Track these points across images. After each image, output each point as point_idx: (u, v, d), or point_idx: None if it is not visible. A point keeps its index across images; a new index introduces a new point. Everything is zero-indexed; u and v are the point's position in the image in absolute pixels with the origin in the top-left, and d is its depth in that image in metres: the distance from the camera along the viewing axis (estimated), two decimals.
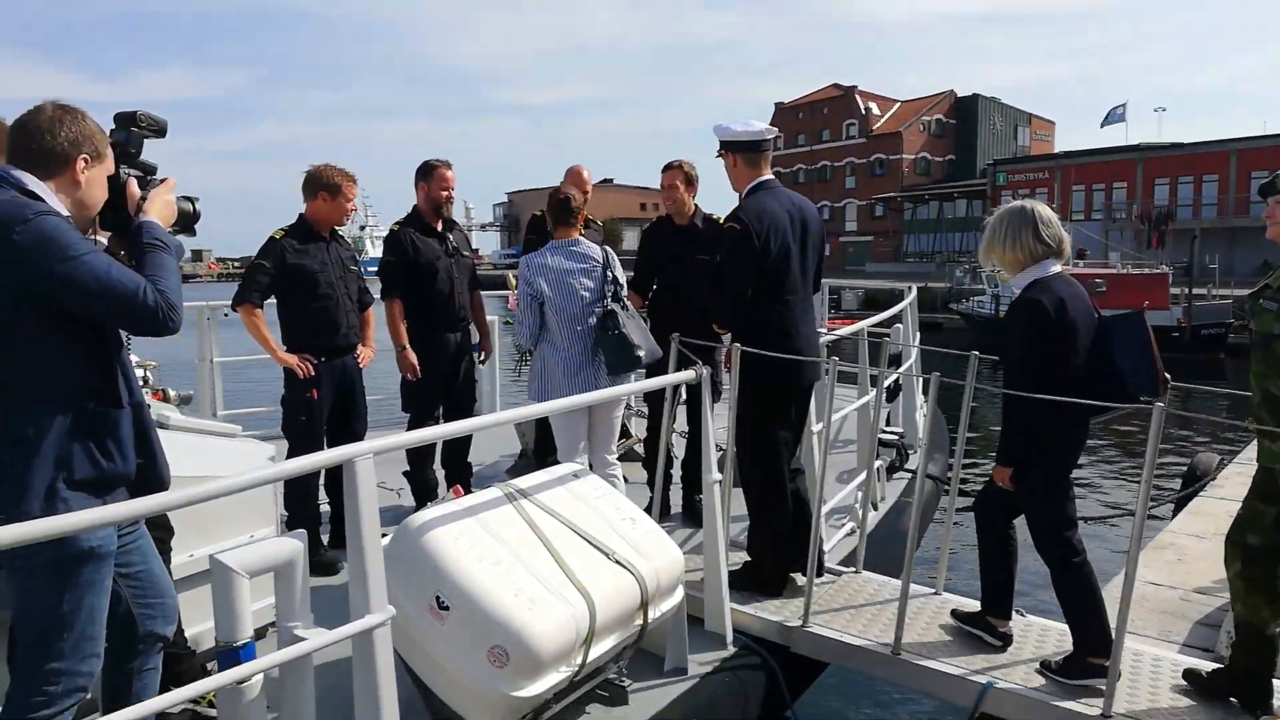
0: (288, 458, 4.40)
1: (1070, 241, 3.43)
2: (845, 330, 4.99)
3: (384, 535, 2.81)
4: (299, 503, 4.38)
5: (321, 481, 4.57)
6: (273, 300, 4.49)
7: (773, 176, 4.07)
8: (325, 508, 4.64)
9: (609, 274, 4.37)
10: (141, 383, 5.50)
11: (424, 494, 5.07)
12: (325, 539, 4.56)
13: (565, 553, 2.84)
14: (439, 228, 4.96)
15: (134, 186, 2.48)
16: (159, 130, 2.59)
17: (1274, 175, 3.12)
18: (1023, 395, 3.19)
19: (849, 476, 5.83)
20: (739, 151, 4.01)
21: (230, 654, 2.06)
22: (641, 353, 4.20)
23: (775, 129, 4.11)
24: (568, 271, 4.25)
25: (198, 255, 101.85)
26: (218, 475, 3.43)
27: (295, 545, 2.21)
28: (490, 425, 3.23)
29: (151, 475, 2.43)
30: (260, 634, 2.85)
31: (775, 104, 73.54)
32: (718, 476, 3.58)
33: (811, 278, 4.13)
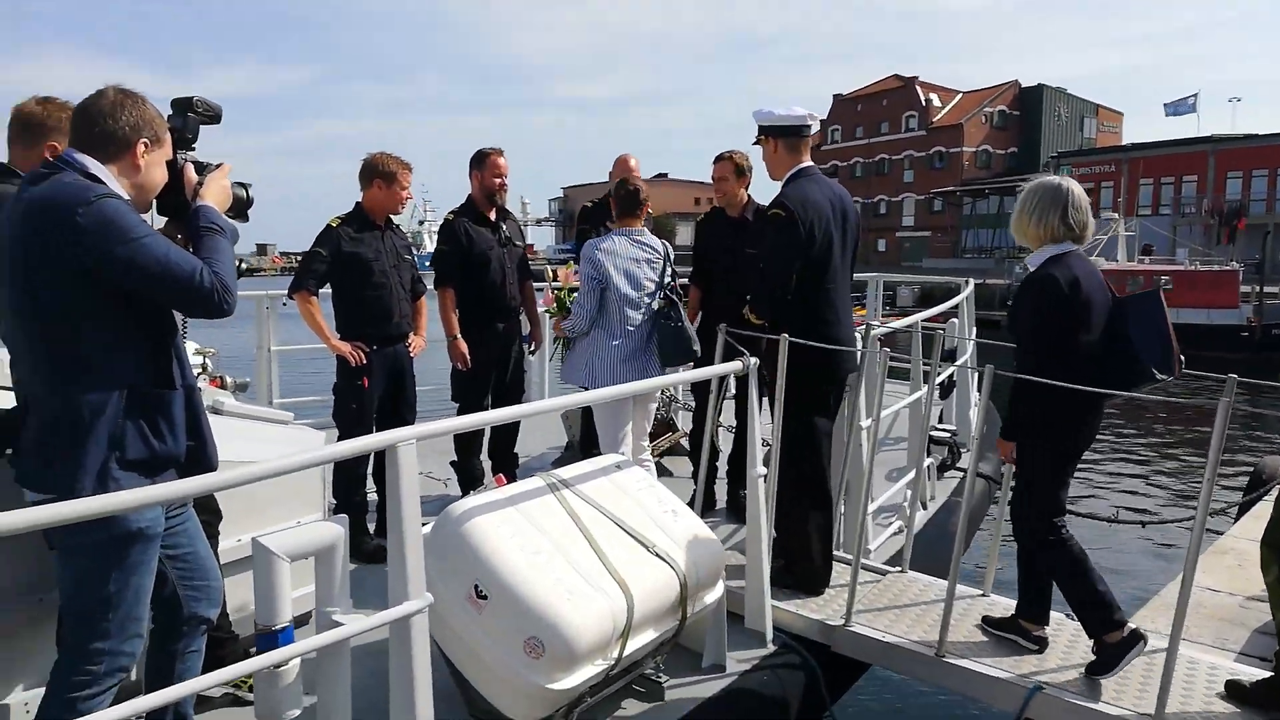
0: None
1: (1093, 228, 3.44)
2: (899, 323, 4.90)
3: (427, 524, 2.86)
4: (347, 489, 4.45)
5: (370, 469, 4.63)
6: (327, 290, 4.57)
7: (813, 164, 4.02)
8: (374, 496, 4.71)
9: (669, 267, 4.44)
10: (199, 369, 5.65)
11: (470, 483, 5.11)
12: (373, 527, 4.62)
13: (605, 544, 2.84)
14: (493, 217, 4.99)
15: (191, 171, 2.53)
16: (214, 116, 2.64)
17: None
18: (1033, 370, 3.18)
19: (898, 474, 5.74)
20: (780, 136, 3.97)
21: (269, 637, 2.09)
22: (698, 347, 4.30)
23: (817, 115, 4.05)
24: (633, 259, 4.31)
25: (262, 249, 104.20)
26: (268, 460, 3.54)
27: (336, 530, 2.23)
28: (535, 413, 3.23)
29: (201, 458, 2.47)
30: (303, 620, 2.89)
31: (834, 95, 72.70)
32: (762, 471, 3.55)
33: (850, 268, 4.10)
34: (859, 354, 4.12)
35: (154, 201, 2.54)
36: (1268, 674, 3.19)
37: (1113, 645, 3.20)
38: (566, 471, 3.10)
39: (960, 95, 67.47)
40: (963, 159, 62.54)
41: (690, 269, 5.27)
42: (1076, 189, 3.38)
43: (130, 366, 2.28)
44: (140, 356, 2.31)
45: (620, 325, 4.29)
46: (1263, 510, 5.89)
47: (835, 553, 4.35)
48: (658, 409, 5.92)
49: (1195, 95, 49.37)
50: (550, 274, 4.59)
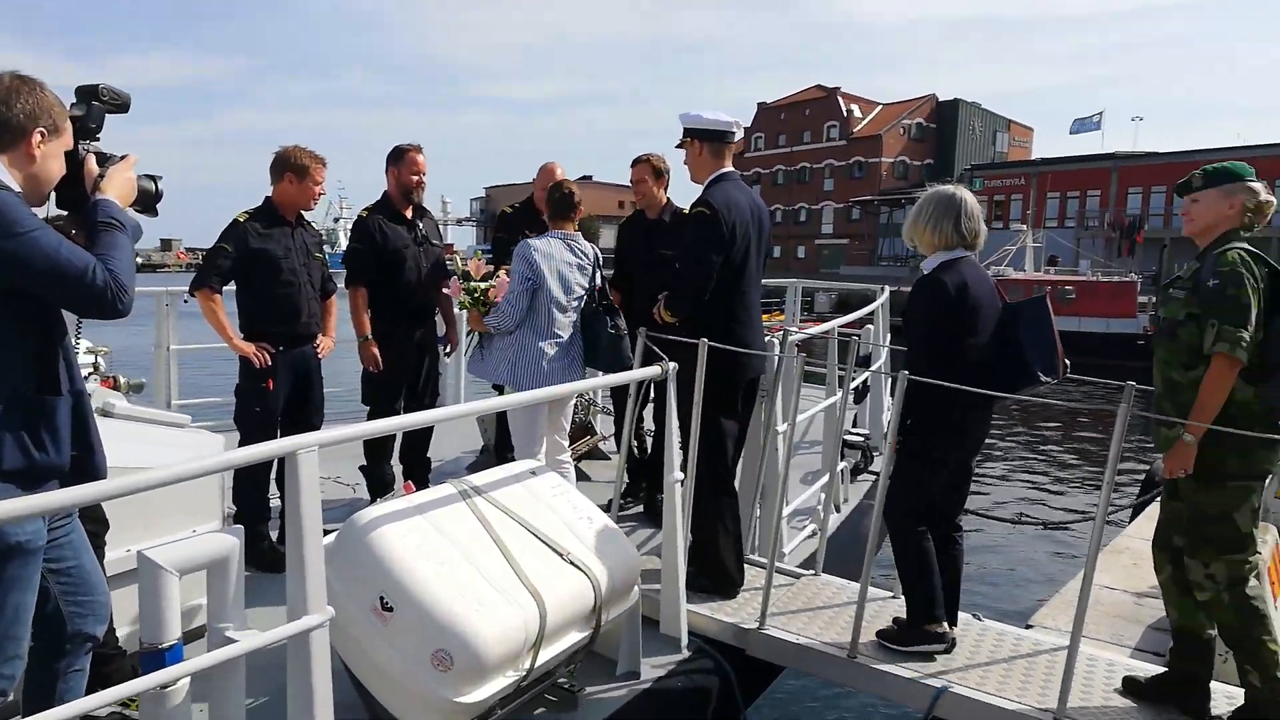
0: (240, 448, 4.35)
1: (985, 236, 3.56)
2: (815, 330, 4.95)
3: (332, 532, 2.76)
4: (248, 496, 4.28)
5: (274, 474, 4.47)
6: (231, 287, 4.39)
7: (734, 170, 4.08)
8: (277, 502, 4.54)
9: (598, 273, 4.44)
10: (91, 369, 5.40)
11: (380, 489, 4.97)
12: (275, 534, 4.46)
13: (518, 553, 2.78)
14: (409, 215, 4.86)
15: (92, 163, 2.38)
16: (121, 105, 2.49)
17: (1189, 176, 3.20)
18: (923, 372, 3.27)
19: (813, 478, 5.81)
20: (705, 140, 4.00)
21: (155, 656, 1.98)
22: (631, 358, 4.31)
23: (741, 123, 4.08)
24: (566, 263, 4.28)
25: (166, 245, 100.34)
26: (160, 466, 3.37)
27: (230, 542, 2.13)
28: (450, 418, 3.14)
29: (88, 467, 2.33)
30: (197, 635, 2.76)
31: (758, 104, 73.71)
32: (679, 476, 3.53)
33: (761, 274, 4.17)
34: (772, 358, 4.18)
35: (53, 194, 2.40)
36: (1161, 669, 3.31)
37: (920, 631, 3.43)
38: (478, 478, 3.03)
39: (880, 107, 69.09)
40: (881, 169, 64.05)
41: (612, 272, 5.24)
42: (969, 199, 3.51)
43: (11, 369, 2.14)
44: (22, 359, 2.17)
45: (548, 327, 4.25)
46: (1155, 510, 6.16)
47: (750, 556, 4.38)
48: (576, 412, 5.88)
49: (1100, 113, 51.60)
50: (460, 264, 4.47)
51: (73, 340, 2.45)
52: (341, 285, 4.82)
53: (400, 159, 4.82)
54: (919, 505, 3.48)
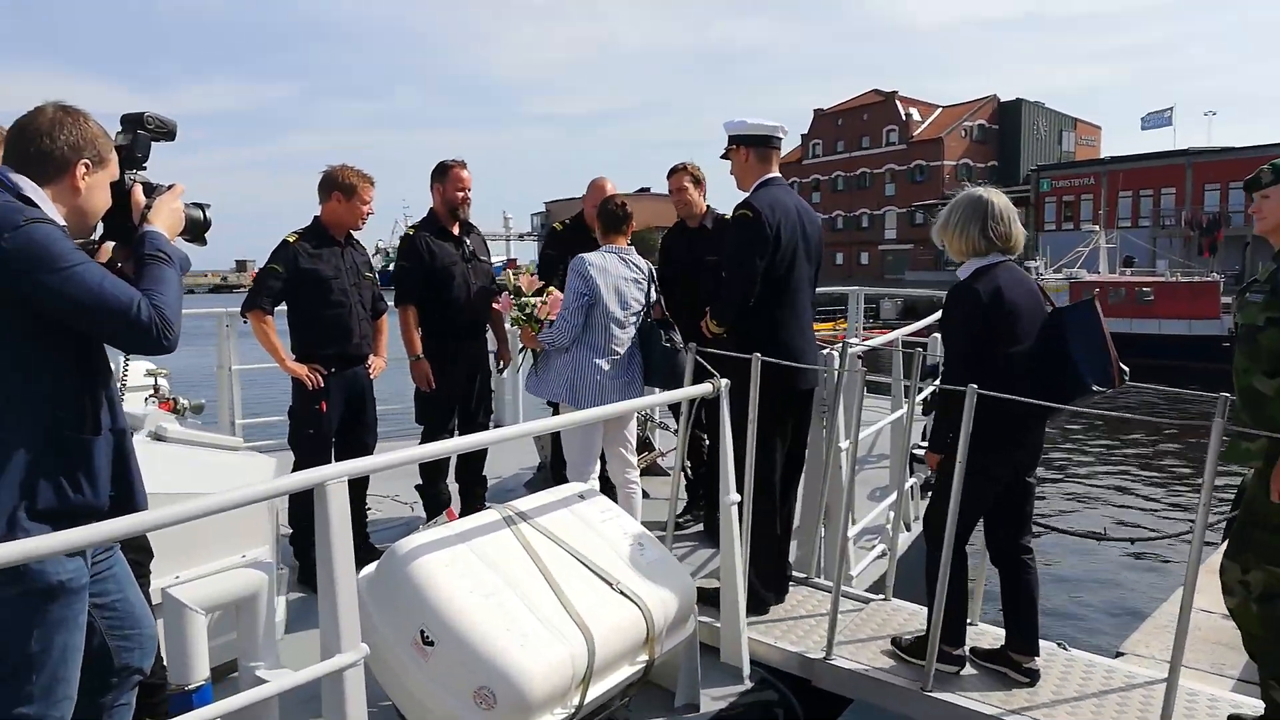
0: (293, 472, 4.31)
1: (1024, 237, 3.39)
2: (879, 340, 4.74)
3: (422, 529, 2.66)
4: (303, 517, 4.23)
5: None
6: (283, 308, 4.36)
7: (780, 176, 3.94)
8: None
9: (653, 287, 4.35)
10: (152, 390, 5.44)
11: (436, 509, 4.88)
12: None
13: (565, 583, 2.64)
14: (456, 231, 4.79)
15: (139, 193, 2.33)
16: (168, 133, 2.44)
17: (1258, 171, 2.99)
18: (958, 381, 3.11)
19: (881, 494, 5.58)
20: (751, 145, 3.88)
21: (183, 698, 1.88)
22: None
23: (785, 128, 3.95)
24: (623, 278, 4.19)
25: (241, 265, 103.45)
26: (209, 492, 3.33)
27: (258, 578, 2.03)
28: (503, 439, 3.01)
29: (127, 507, 2.26)
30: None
31: (814, 110, 73.03)
32: (735, 498, 3.36)
33: (812, 285, 4.00)
34: (825, 371, 4.02)
35: (100, 224, 2.35)
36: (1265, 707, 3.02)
37: (949, 654, 3.27)
38: (524, 503, 2.90)
39: (940, 110, 67.90)
40: (943, 172, 62.86)
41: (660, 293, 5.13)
42: (998, 201, 3.32)
43: (51, 407, 2.08)
44: (64, 396, 2.11)
45: (606, 344, 4.15)
46: None
47: (814, 579, 4.19)
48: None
49: (1171, 109, 50.01)
50: (510, 280, 4.38)
51: (118, 378, 2.39)
52: (391, 304, 4.76)
53: (444, 175, 4.74)
54: (962, 521, 3.26)
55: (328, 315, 4.23)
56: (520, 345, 4.60)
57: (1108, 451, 15.16)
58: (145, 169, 2.42)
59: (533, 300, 4.26)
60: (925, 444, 6.42)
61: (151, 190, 2.35)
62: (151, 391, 5.40)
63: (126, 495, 2.26)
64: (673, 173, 4.97)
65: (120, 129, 2.40)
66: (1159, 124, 50.14)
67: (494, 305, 4.67)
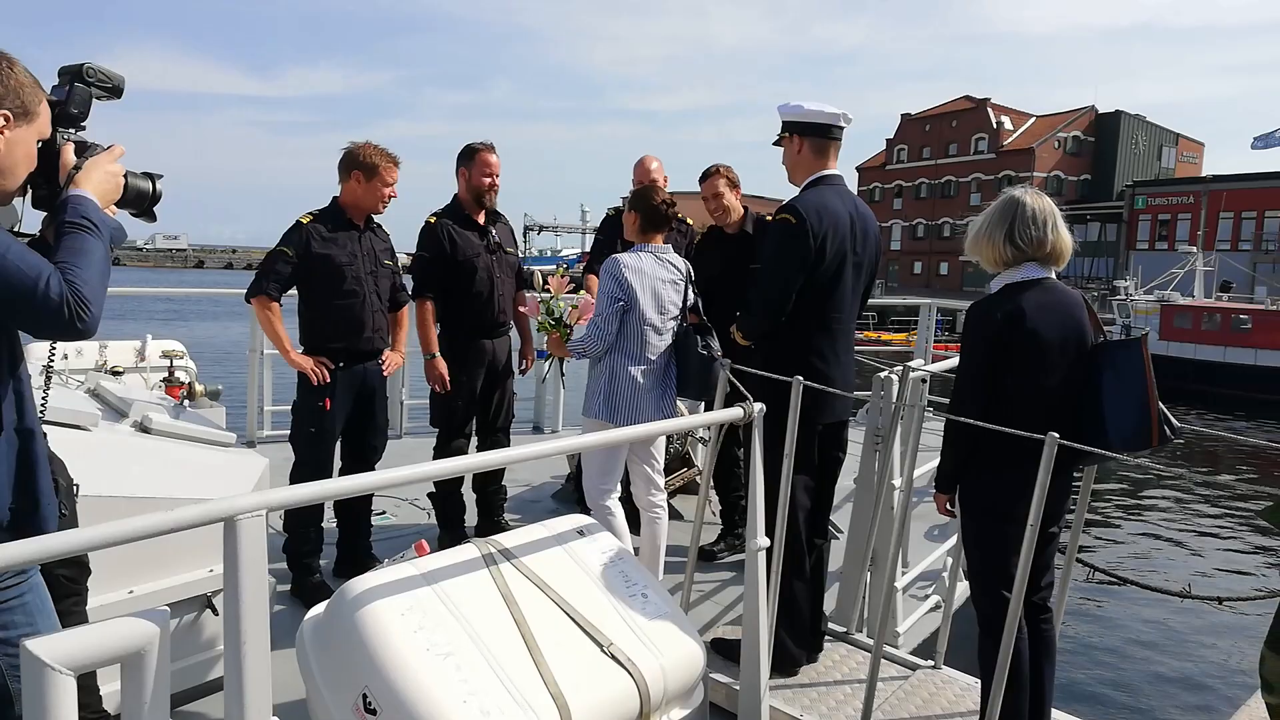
0: (293, 472, 3.96)
1: (1069, 245, 2.90)
2: (938, 366, 4.20)
3: (385, 565, 2.29)
4: (297, 524, 3.91)
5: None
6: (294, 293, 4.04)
7: (839, 173, 3.46)
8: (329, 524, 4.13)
9: (690, 289, 3.94)
10: (167, 373, 5.20)
11: (449, 519, 4.55)
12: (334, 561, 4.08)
13: (546, 642, 2.22)
14: (481, 220, 4.42)
15: (69, 153, 1.98)
16: (113, 88, 2.09)
17: None
18: (957, 408, 2.80)
19: (939, 534, 5.04)
20: (806, 135, 3.40)
21: None
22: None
23: (848, 115, 3.44)
24: (660, 279, 3.77)
25: None
26: (184, 497, 3.00)
27: (148, 630, 1.66)
28: (508, 461, 2.61)
29: (29, 523, 1.92)
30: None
31: (902, 115, 71.27)
32: (764, 542, 2.90)
33: (860, 300, 3.51)
34: (889, 397, 3.54)
35: (27, 190, 2.02)
36: None
37: None
38: (511, 538, 2.49)
39: (1033, 119, 65.64)
40: (1033, 184, 60.37)
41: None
42: (1033, 202, 2.86)
43: None
44: None
45: (641, 351, 3.75)
46: None
47: (854, 635, 3.71)
48: (671, 442, 5.32)
49: None
50: (540, 281, 4.01)
51: (30, 368, 2.05)
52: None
53: (471, 159, 4.36)
54: (991, 577, 2.86)
55: (339, 305, 3.90)
56: (546, 352, 4.19)
57: (1189, 495, 14.08)
58: (84, 129, 2.07)
59: (562, 304, 3.88)
60: None
61: (84, 150, 2.00)
62: (167, 372, 5.18)
63: (30, 507, 1.92)
64: (706, 177, 4.55)
65: (57, 81, 2.07)
66: (1270, 144, 47.39)
67: (520, 307, 4.30)
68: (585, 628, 2.33)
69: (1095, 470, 3.21)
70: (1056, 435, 2.48)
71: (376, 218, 4.09)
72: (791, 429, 2.99)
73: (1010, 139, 63.79)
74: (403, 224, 4.27)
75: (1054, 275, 2.94)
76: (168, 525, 1.60)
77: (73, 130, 2.04)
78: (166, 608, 1.76)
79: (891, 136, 71.15)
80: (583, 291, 3.99)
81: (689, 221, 4.95)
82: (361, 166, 3.90)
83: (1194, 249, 33.48)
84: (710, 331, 3.88)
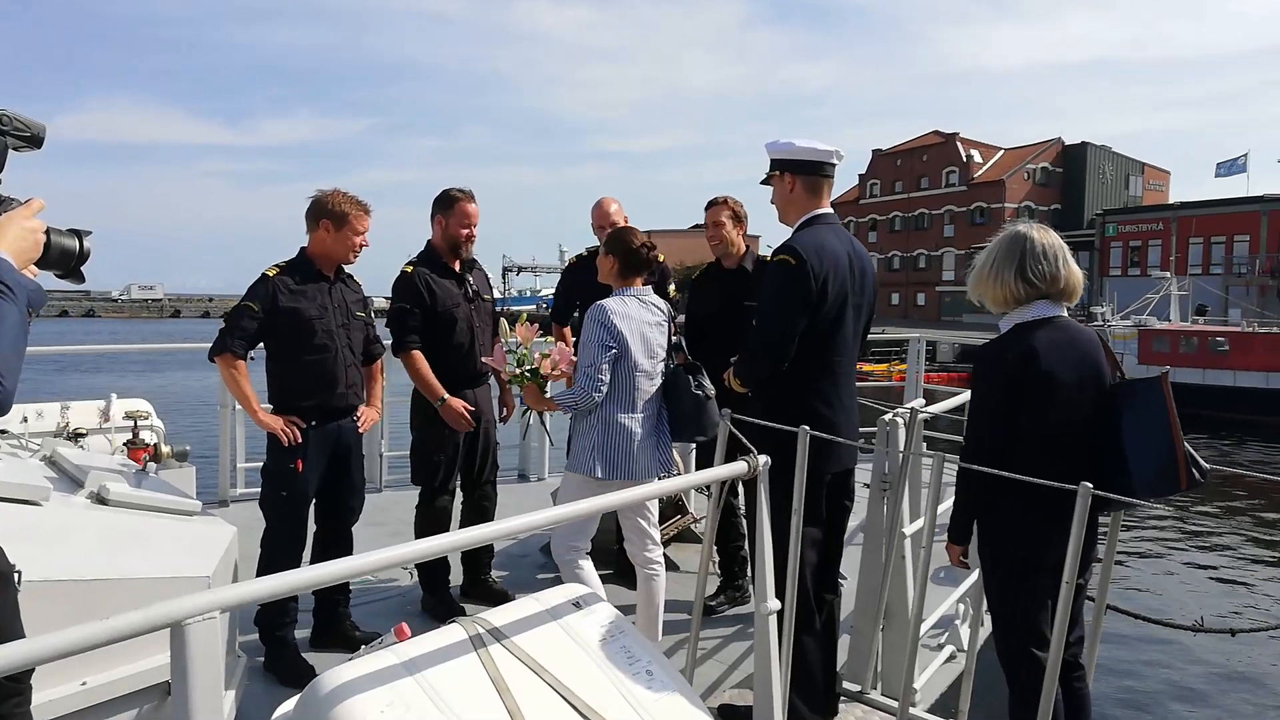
0: (264, 539, 3.71)
1: (1080, 280, 2.77)
2: (942, 406, 4.04)
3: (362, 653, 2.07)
4: (273, 613, 3.66)
5: (309, 559, 3.84)
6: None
7: (832, 211, 3.32)
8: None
9: (674, 328, 3.76)
10: (130, 433, 4.94)
11: (434, 580, 4.31)
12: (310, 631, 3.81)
13: None
14: (457, 268, 4.23)
15: None
16: (31, 138, 1.89)
17: None
18: (973, 458, 2.64)
19: (948, 576, 4.83)
20: (800, 173, 3.25)
21: None
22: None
23: (841, 152, 3.31)
24: (646, 323, 3.59)
25: None
26: (140, 577, 2.76)
27: None
28: (496, 536, 2.37)
29: None
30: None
31: (873, 150, 72.27)
32: (774, 605, 2.69)
33: (859, 342, 3.35)
34: (895, 440, 3.36)
35: None
36: None
37: None
38: (500, 615, 2.26)
39: (1002, 152, 66.72)
40: (1004, 215, 61.41)
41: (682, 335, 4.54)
42: (1040, 237, 2.72)
43: None
44: None
45: (634, 399, 3.54)
46: None
47: (869, 694, 3.49)
48: None
49: (1245, 155, 47.99)
50: (505, 328, 3.75)
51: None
52: (392, 353, 4.21)
53: (449, 207, 4.18)
54: (1018, 633, 2.68)
55: (310, 360, 3.68)
56: (523, 406, 3.94)
57: (1198, 523, 13.85)
58: None
59: (530, 353, 3.65)
60: None
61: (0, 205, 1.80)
62: (131, 434, 4.92)
63: None
64: (711, 205, 4.38)
65: None
66: (1233, 171, 48.26)
67: (483, 359, 4.04)
68: (586, 714, 2.10)
69: (1122, 513, 3.04)
70: (1090, 485, 2.30)
71: (347, 268, 3.90)
72: (799, 482, 2.80)
73: (980, 171, 64.75)
74: (376, 269, 4.07)
75: (1065, 312, 2.79)
76: (103, 637, 1.38)
77: None
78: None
79: (864, 172, 72.03)
80: (554, 341, 3.77)
81: (661, 258, 4.80)
82: (331, 215, 3.71)
83: (1167, 274, 33.89)
84: (700, 370, 3.68)
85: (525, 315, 3.85)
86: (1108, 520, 2.93)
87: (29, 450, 3.73)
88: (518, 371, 3.61)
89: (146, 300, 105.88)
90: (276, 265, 3.74)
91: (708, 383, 3.63)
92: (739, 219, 4.35)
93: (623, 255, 3.65)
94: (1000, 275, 2.73)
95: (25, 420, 4.96)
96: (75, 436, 4.75)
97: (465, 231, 4.18)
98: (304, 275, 3.73)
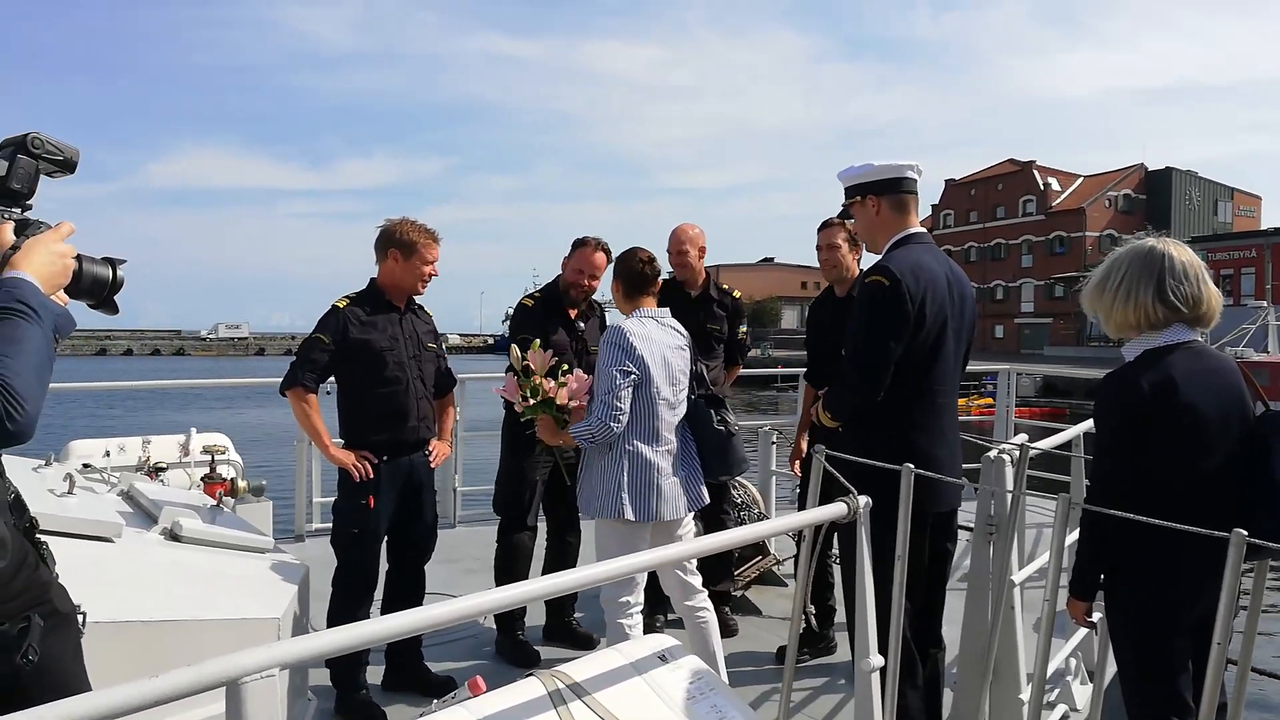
0: (335, 578, 3.62)
1: (1219, 303, 2.48)
2: (1053, 441, 3.74)
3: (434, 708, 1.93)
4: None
5: (381, 595, 3.74)
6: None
7: (924, 230, 3.09)
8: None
9: (693, 356, 3.53)
10: (209, 468, 4.93)
11: (509, 622, 4.17)
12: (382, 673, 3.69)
13: None
14: (573, 314, 4.24)
15: (7, 232, 1.71)
16: (64, 162, 1.82)
17: None
18: (1103, 501, 2.33)
19: (1061, 629, 4.48)
20: (884, 194, 3.03)
21: None
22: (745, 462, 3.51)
23: (919, 165, 3.11)
24: (666, 346, 3.35)
25: None
26: (208, 619, 2.67)
27: None
28: (546, 594, 2.20)
29: None
30: None
31: (945, 180, 71.14)
32: (878, 662, 2.45)
33: (960, 371, 3.09)
34: (1003, 478, 3.09)
35: None
36: None
37: None
38: (579, 668, 2.09)
39: (1081, 179, 65.06)
40: (1085, 243, 59.73)
41: (805, 369, 4.50)
42: (1178, 254, 2.44)
43: None
44: None
45: (656, 429, 3.29)
46: None
47: None
48: (738, 523, 4.86)
49: None
50: (517, 355, 3.47)
51: (66, 467, 1.75)
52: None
53: (409, 250, 3.67)
54: (1156, 703, 2.37)
55: (381, 393, 3.59)
56: (539, 444, 3.72)
57: None
58: (29, 208, 1.80)
59: (544, 382, 3.40)
60: None
61: (25, 228, 1.71)
62: (208, 468, 4.92)
63: None
64: (825, 227, 4.11)
65: None
66: None
67: (495, 390, 3.74)
68: None
69: (1268, 564, 2.73)
70: (1244, 532, 2.03)
71: (418, 299, 3.81)
72: (904, 525, 2.56)
73: (1059, 200, 63.18)
74: (452, 303, 3.99)
75: (1201, 338, 2.52)
76: (152, 698, 1.25)
77: (17, 210, 1.77)
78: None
79: (937, 202, 70.92)
80: (577, 369, 3.53)
81: (738, 294, 4.65)
82: (399, 244, 3.64)
83: (1264, 303, 32.35)
84: (722, 404, 3.46)
85: (538, 342, 3.57)
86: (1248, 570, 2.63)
87: (109, 484, 3.72)
88: (534, 404, 3.38)
89: (233, 339, 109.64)
90: (346, 297, 3.67)
91: (731, 417, 3.42)
92: (855, 242, 4.09)
93: (625, 278, 3.43)
94: (1134, 295, 2.44)
95: (108, 454, 5.00)
96: (156, 471, 4.77)
97: (583, 278, 4.17)
98: (374, 306, 3.65)
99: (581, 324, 4.23)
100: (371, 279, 3.72)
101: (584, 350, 4.17)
